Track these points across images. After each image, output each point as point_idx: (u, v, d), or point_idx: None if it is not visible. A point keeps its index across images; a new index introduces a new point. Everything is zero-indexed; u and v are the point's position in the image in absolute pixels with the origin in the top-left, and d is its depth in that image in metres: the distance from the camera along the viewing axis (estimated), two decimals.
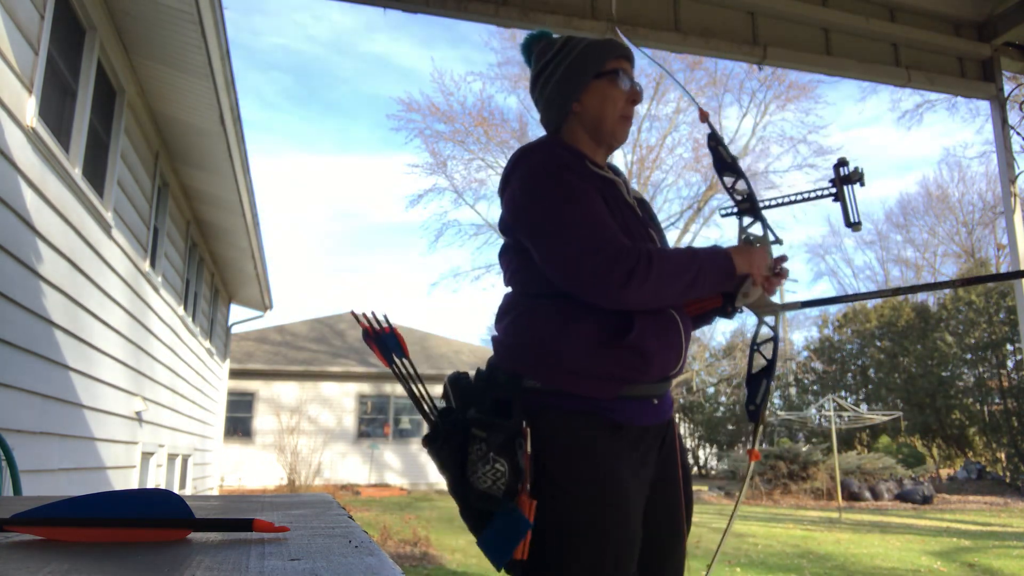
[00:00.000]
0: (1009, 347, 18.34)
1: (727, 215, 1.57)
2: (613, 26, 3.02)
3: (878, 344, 22.09)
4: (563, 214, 1.32)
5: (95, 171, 4.45)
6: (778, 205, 1.58)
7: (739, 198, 1.56)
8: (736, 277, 1.39)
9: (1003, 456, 18.61)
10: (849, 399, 21.98)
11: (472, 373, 1.39)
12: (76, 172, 3.94)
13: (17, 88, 3.15)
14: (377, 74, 51.68)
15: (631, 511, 1.30)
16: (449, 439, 1.27)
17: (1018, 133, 3.64)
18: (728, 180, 1.59)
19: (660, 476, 1.41)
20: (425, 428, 1.36)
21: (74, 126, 4.02)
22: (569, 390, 1.31)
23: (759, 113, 20.01)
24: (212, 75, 4.80)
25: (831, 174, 1.57)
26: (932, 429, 20.73)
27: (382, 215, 53.85)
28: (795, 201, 1.58)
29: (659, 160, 20.03)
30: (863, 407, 20.68)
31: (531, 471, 1.23)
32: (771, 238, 1.50)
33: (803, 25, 3.39)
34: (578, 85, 1.46)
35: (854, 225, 1.54)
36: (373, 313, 1.28)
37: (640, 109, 20.85)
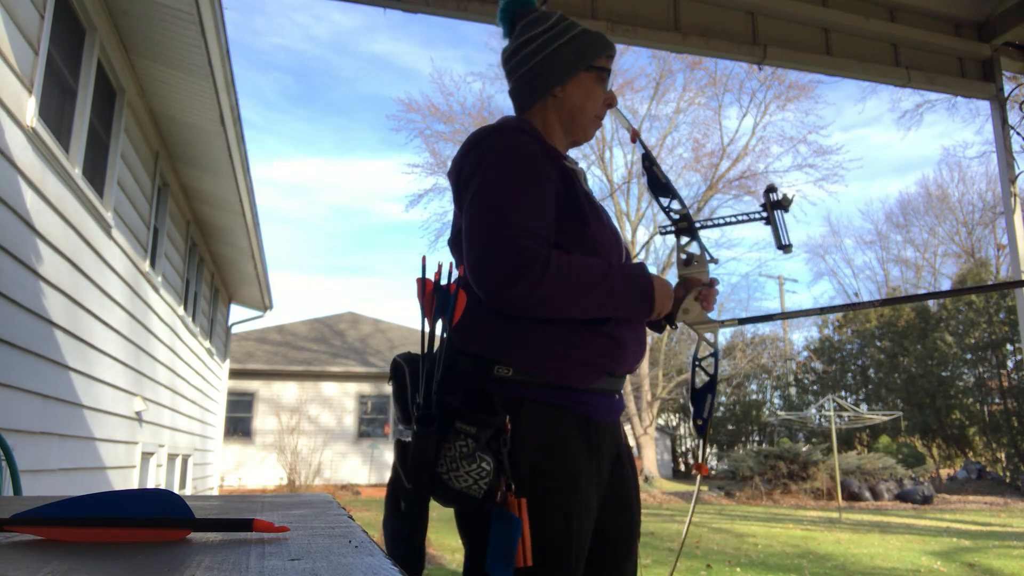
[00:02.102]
0: (1009, 347, 18.35)
1: (665, 233, 1.61)
2: (613, 26, 3.03)
3: (878, 344, 22.09)
4: (491, 197, 1.24)
5: (95, 171, 4.45)
6: (713, 226, 1.66)
7: (676, 217, 1.59)
8: (652, 315, 1.32)
9: (1003, 456, 18.62)
10: (849, 399, 21.99)
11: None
12: (76, 172, 3.94)
13: (17, 88, 3.14)
14: (377, 74, 51.68)
15: (592, 515, 1.27)
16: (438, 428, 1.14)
17: (1018, 133, 3.64)
18: (664, 200, 1.60)
19: (615, 475, 1.37)
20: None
21: (74, 126, 4.02)
22: (546, 377, 1.24)
23: (759, 113, 20.05)
24: (212, 75, 4.80)
25: (762, 194, 1.65)
26: (932, 429, 20.73)
27: (382, 215, 53.85)
28: (728, 223, 1.65)
29: (659, 160, 20.02)
30: (863, 407, 20.68)
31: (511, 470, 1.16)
32: (707, 257, 1.54)
33: (803, 25, 3.39)
34: (566, 72, 1.39)
35: (785, 247, 1.60)
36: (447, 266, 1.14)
37: (640, 109, 20.88)
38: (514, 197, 1.24)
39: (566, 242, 1.29)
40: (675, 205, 1.59)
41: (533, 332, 1.25)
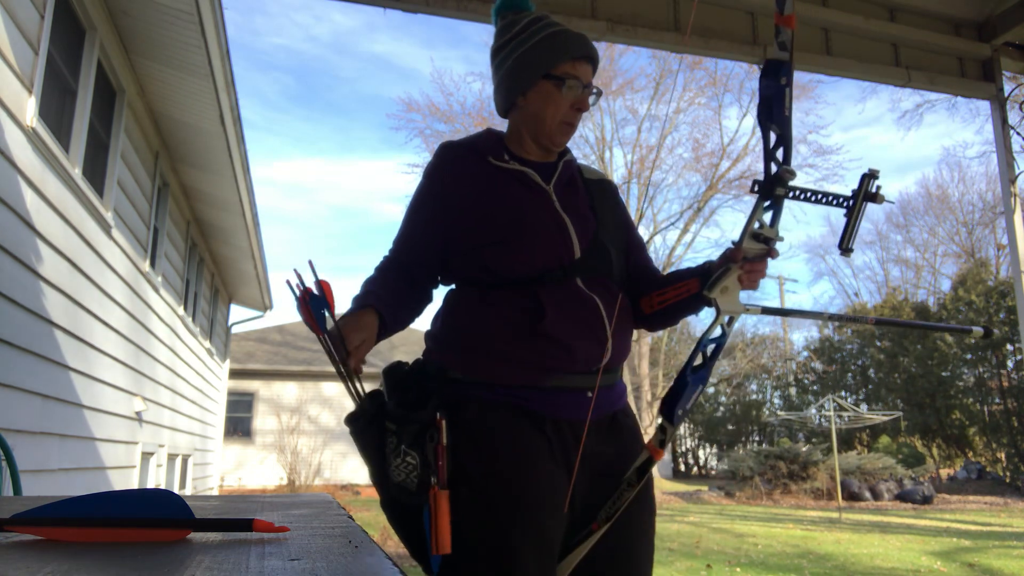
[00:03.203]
0: (1009, 347, 18.34)
1: (754, 190, 1.35)
2: (613, 26, 3.03)
3: (878, 344, 22.08)
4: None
5: (95, 171, 4.45)
6: (794, 197, 1.37)
7: (776, 171, 1.34)
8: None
9: (1003, 456, 18.61)
10: (849, 399, 21.98)
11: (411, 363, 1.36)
12: (76, 172, 3.94)
13: (17, 88, 3.14)
14: (378, 74, 51.68)
15: (542, 506, 1.26)
16: (370, 425, 1.24)
17: (1018, 133, 3.64)
18: (772, 139, 1.36)
19: (604, 472, 1.35)
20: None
21: (74, 126, 4.02)
22: (490, 379, 1.31)
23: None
24: (212, 75, 4.80)
25: (859, 179, 1.37)
26: (932, 429, 20.73)
27: (382, 215, 53.85)
28: (813, 199, 1.38)
29: (659, 160, 20.03)
30: (863, 407, 20.67)
31: (448, 463, 1.22)
32: (776, 233, 1.35)
33: (803, 25, 3.39)
34: (525, 80, 1.42)
35: (846, 250, 1.39)
36: (303, 272, 1.23)
37: (640, 109, 20.88)
38: (407, 218, 1.49)
39: (475, 239, 1.38)
40: (780, 154, 1.36)
41: (474, 335, 1.34)
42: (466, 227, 1.39)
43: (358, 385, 1.25)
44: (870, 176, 1.36)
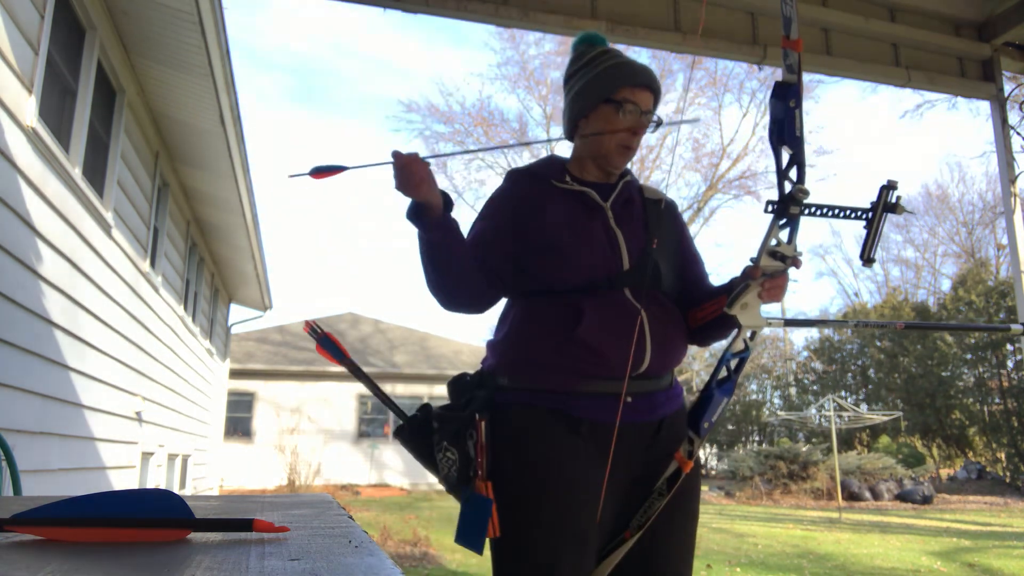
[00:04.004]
0: (1009, 347, 18.34)
1: (770, 210, 1.36)
2: (613, 26, 3.02)
3: (878, 344, 22.07)
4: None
5: (95, 171, 4.45)
6: (811, 214, 1.37)
7: (791, 190, 1.33)
8: (404, 191, 1.35)
9: (1003, 456, 18.60)
10: (849, 399, 21.97)
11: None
12: (76, 172, 3.94)
13: (17, 88, 3.14)
14: (378, 75, 51.69)
15: (577, 505, 1.33)
16: (415, 434, 1.40)
17: (1018, 133, 3.64)
18: (784, 159, 1.37)
19: (643, 476, 1.41)
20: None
21: (74, 126, 4.02)
22: (531, 384, 1.40)
23: (759, 113, 20.00)
24: (212, 75, 4.80)
25: (878, 190, 1.37)
26: (932, 429, 20.72)
27: (382, 215, 53.85)
28: (829, 214, 1.37)
29: (659, 160, 20.04)
30: (863, 407, 20.67)
31: (487, 461, 1.32)
32: (795, 249, 1.35)
33: (803, 25, 3.39)
34: (586, 106, 1.51)
35: (868, 261, 1.38)
36: (316, 323, 1.40)
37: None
38: (473, 233, 1.54)
39: (531, 252, 1.46)
40: (793, 174, 1.38)
41: (518, 342, 1.43)
42: (525, 242, 1.47)
43: (394, 402, 1.46)
44: (889, 188, 1.37)
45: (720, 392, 1.40)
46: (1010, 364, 18.92)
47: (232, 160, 6.14)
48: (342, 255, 57.66)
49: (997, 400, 19.11)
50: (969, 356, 19.41)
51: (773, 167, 1.39)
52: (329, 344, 1.37)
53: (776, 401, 27.21)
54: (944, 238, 27.51)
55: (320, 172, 1.30)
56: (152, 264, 6.03)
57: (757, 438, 26.48)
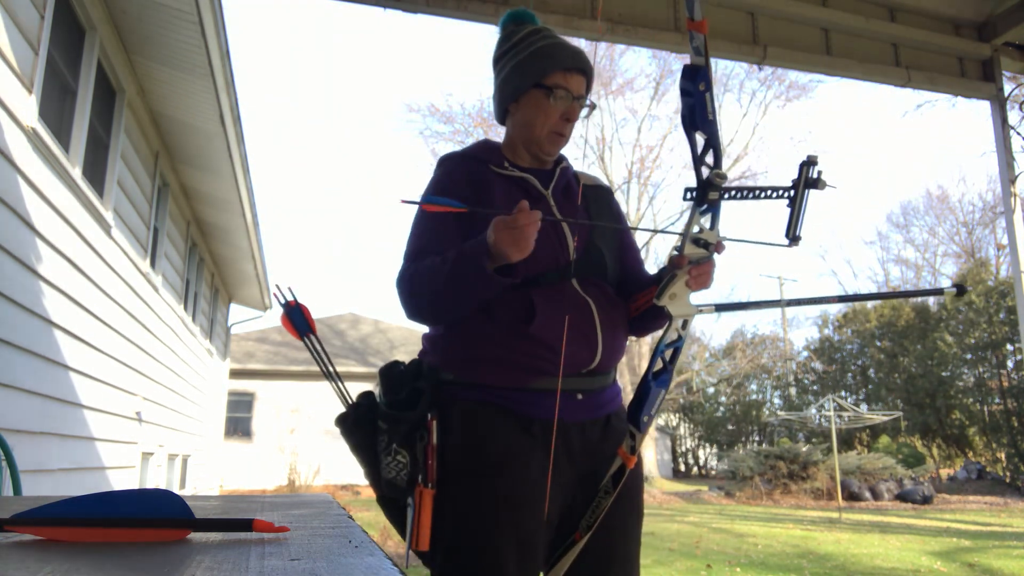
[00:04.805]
0: (1009, 347, 18.33)
1: (688, 197, 1.34)
2: (613, 26, 3.02)
3: (878, 344, 22.08)
4: (412, 231, 1.44)
5: (95, 171, 4.45)
6: (733, 197, 1.34)
7: (707, 176, 1.32)
8: (494, 248, 1.24)
9: (1003, 456, 18.60)
10: (849, 399, 21.98)
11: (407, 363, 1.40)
12: (76, 172, 3.94)
13: (17, 88, 3.14)
14: (378, 75, 51.68)
15: (523, 506, 1.28)
16: (360, 424, 1.31)
17: (1018, 133, 3.64)
18: (698, 144, 1.33)
19: (590, 474, 1.37)
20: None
21: (74, 126, 4.02)
22: (480, 380, 1.34)
23: (759, 113, 20.00)
24: (212, 75, 4.80)
25: (797, 167, 1.33)
26: (932, 429, 20.72)
27: (382, 215, 53.85)
28: (750, 196, 1.35)
29: (659, 160, 20.04)
30: (863, 407, 20.68)
31: (436, 462, 1.26)
32: (718, 236, 1.34)
33: (803, 25, 3.39)
34: (516, 89, 1.46)
35: (794, 239, 1.34)
36: (289, 288, 1.32)
37: (640, 109, 20.88)
38: (414, 228, 1.45)
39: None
40: (710, 159, 1.34)
41: (466, 337, 1.36)
42: (473, 231, 1.38)
43: (343, 386, 1.33)
44: (808, 163, 1.33)
45: (657, 384, 1.35)
46: (1010, 364, 18.91)
47: (232, 160, 6.14)
48: (342, 255, 57.69)
49: (997, 400, 19.10)
50: (969, 356, 19.40)
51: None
52: (297, 315, 1.27)
53: (776, 401, 27.24)
54: (944, 238, 27.54)
55: (430, 204, 1.31)
56: (152, 264, 6.03)
57: (757, 438, 26.49)
